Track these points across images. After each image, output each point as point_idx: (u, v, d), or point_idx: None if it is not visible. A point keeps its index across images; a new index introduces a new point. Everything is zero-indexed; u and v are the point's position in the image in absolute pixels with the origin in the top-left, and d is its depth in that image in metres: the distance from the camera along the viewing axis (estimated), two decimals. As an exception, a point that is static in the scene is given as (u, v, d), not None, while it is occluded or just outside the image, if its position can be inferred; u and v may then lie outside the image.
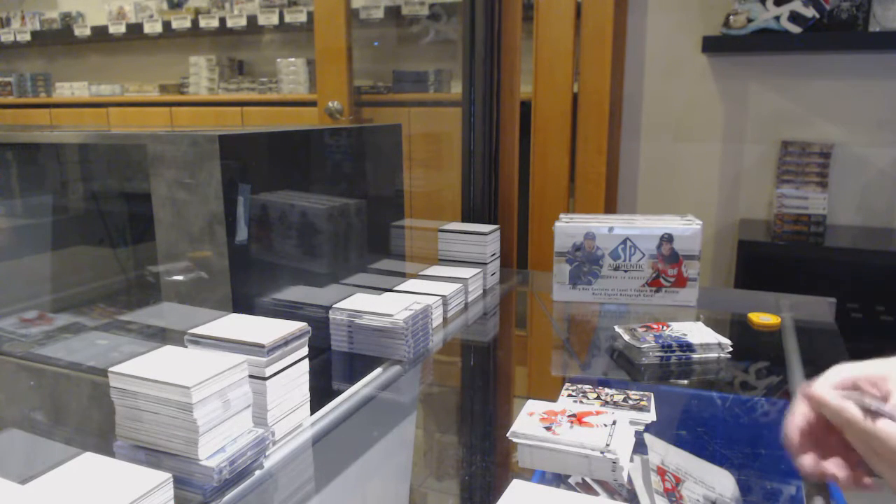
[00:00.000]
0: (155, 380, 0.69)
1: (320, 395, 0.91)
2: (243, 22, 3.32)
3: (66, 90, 3.86)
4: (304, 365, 0.84)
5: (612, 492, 0.71)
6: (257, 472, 0.75)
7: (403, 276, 1.36)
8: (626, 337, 1.12)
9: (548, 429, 0.75)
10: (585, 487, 0.72)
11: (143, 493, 0.60)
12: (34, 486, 0.61)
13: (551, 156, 2.13)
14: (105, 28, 3.66)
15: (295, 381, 0.83)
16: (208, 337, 0.80)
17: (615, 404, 0.88)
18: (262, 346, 0.77)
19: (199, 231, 0.92)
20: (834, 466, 0.57)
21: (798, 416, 0.59)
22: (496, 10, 1.63)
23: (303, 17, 3.16)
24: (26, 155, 1.30)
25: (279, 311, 1.03)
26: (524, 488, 0.64)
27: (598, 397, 0.90)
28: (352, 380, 1.00)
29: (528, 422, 0.77)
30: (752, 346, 1.20)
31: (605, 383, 1.00)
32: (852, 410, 0.54)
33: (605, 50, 2.09)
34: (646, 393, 0.91)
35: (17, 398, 1.03)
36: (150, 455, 0.71)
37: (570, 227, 1.36)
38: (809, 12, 1.98)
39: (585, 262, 1.36)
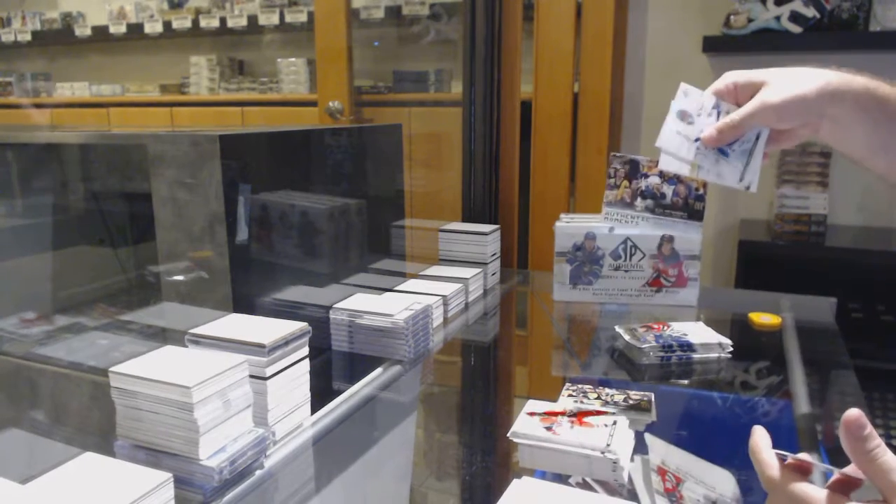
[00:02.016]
0: (155, 380, 0.69)
1: (321, 394, 0.91)
2: (244, 22, 3.31)
3: (67, 90, 3.86)
4: (305, 365, 0.84)
5: (612, 492, 0.71)
6: (258, 472, 0.75)
7: (404, 276, 1.36)
8: (627, 337, 1.12)
9: (548, 429, 0.75)
10: (586, 487, 0.72)
11: (144, 493, 0.60)
12: (34, 486, 0.61)
13: (551, 156, 2.12)
14: (105, 28, 3.66)
15: (295, 381, 0.83)
16: (209, 337, 0.80)
17: (615, 404, 0.88)
18: (263, 346, 0.77)
19: (200, 231, 0.92)
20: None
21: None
22: (496, 10, 1.63)
23: (303, 17, 3.16)
24: (26, 155, 1.30)
25: (279, 310, 1.03)
26: (526, 486, 0.64)
27: (598, 397, 0.90)
28: (352, 380, 1.00)
29: (529, 422, 0.77)
30: (752, 346, 1.20)
31: (605, 383, 1.00)
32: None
33: (606, 50, 2.09)
34: (646, 393, 0.91)
35: (17, 398, 1.03)
36: (151, 455, 0.71)
37: (570, 227, 1.36)
38: (810, 12, 1.98)
39: (586, 262, 1.36)
